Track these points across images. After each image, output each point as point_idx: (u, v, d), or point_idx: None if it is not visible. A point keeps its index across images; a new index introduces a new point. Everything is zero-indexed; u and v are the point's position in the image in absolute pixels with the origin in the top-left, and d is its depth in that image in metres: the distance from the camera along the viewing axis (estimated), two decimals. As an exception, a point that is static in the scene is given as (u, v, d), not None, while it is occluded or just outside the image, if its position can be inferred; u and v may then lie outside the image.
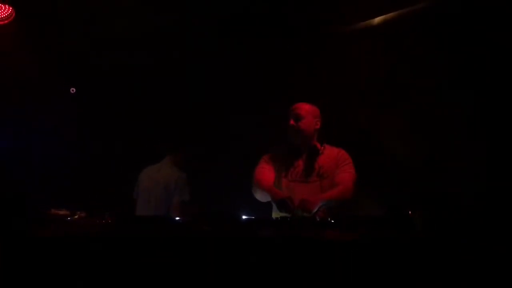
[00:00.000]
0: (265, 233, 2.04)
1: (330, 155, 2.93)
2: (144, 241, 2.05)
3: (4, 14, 3.89)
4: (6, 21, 3.90)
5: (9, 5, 3.87)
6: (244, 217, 2.19)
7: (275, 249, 1.93)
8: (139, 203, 3.82)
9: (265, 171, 2.93)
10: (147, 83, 4.26)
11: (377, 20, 3.70)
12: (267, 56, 3.94)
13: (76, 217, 2.39)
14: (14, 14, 3.91)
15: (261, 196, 2.85)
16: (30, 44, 4.08)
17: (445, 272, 1.78)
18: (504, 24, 3.14)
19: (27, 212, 2.30)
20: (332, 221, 2.17)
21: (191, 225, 2.19)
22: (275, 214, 2.74)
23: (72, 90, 4.32)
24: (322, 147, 2.95)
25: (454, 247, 1.79)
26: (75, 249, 2.08)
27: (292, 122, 2.92)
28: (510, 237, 1.76)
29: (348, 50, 3.70)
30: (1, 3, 3.85)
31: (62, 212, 2.42)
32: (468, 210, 2.96)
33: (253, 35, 3.94)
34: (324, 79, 3.70)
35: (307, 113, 2.94)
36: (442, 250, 1.79)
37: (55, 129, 4.27)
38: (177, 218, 2.60)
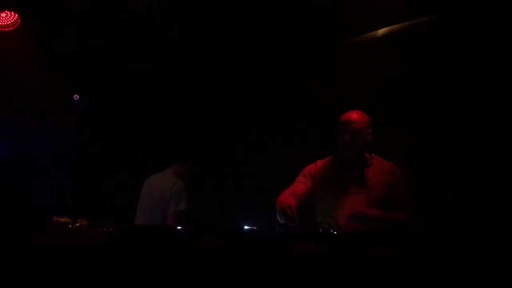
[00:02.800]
0: (266, 244, 2.03)
1: (380, 167, 2.81)
2: (144, 250, 2.04)
3: (9, 21, 3.91)
4: (11, 28, 3.92)
5: (15, 11, 3.89)
6: (246, 227, 2.18)
7: (274, 260, 1.92)
8: (138, 211, 3.80)
9: (294, 187, 2.84)
10: (155, 90, 4.26)
11: (381, 32, 3.70)
12: (271, 69, 3.94)
13: (77, 225, 2.38)
14: (19, 21, 3.93)
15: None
16: (34, 50, 4.09)
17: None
18: (508, 38, 3.14)
19: (28, 219, 2.30)
20: (335, 233, 2.16)
21: (193, 235, 2.18)
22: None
23: (76, 97, 4.32)
24: (371, 157, 2.85)
25: (453, 259, 1.78)
26: (76, 258, 2.08)
27: (348, 139, 2.76)
28: (509, 245, 1.75)
29: (352, 61, 3.70)
30: (7, 10, 3.87)
31: (63, 220, 2.41)
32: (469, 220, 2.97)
33: (257, 48, 3.94)
34: (327, 91, 3.70)
35: (362, 126, 2.79)
36: (442, 264, 1.77)
37: (58, 135, 4.27)
38: (179, 228, 2.59)
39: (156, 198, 3.69)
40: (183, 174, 3.81)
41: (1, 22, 3.90)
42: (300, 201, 2.74)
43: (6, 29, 3.91)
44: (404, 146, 3.41)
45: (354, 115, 2.82)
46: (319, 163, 2.94)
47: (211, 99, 4.21)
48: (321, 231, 2.31)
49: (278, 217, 2.63)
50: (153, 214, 3.66)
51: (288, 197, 2.75)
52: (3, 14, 3.88)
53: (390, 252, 1.83)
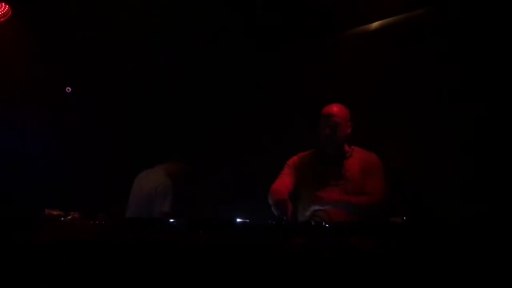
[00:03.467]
0: (258, 237, 2.04)
1: (359, 159, 2.88)
2: (137, 243, 2.05)
3: (0, 12, 3.87)
4: (2, 20, 3.88)
5: (5, 3, 3.85)
6: (238, 220, 2.19)
7: (266, 253, 1.93)
8: (127, 207, 3.77)
9: (281, 180, 2.90)
10: (149, 86, 4.24)
11: (375, 25, 3.70)
12: (264, 64, 3.94)
13: (69, 217, 2.38)
14: (10, 12, 3.88)
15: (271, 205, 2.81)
16: (26, 42, 4.05)
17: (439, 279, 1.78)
18: (504, 31, 3.14)
19: (18, 212, 2.30)
20: (327, 225, 2.17)
21: (187, 228, 2.19)
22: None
23: (68, 90, 4.29)
24: (351, 149, 2.92)
25: (448, 255, 1.80)
26: (69, 250, 2.08)
27: (328, 132, 2.84)
28: (505, 245, 1.76)
29: (345, 55, 3.70)
30: (-2, 2, 3.83)
31: (56, 212, 2.41)
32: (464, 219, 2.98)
33: (252, 44, 3.93)
34: (321, 85, 3.70)
35: (341, 119, 2.87)
36: (435, 258, 1.79)
37: (49, 128, 4.24)
38: (172, 221, 2.58)
39: (142, 197, 3.62)
40: (175, 173, 3.70)
41: (-8, 13, 3.87)
42: (290, 192, 2.82)
43: (-2, 21, 3.88)
44: (398, 140, 3.43)
45: (334, 108, 2.89)
46: (301, 155, 3.01)
47: (207, 97, 4.20)
48: (313, 224, 2.34)
49: (273, 210, 2.67)
50: (140, 212, 3.63)
51: (281, 189, 2.80)
52: (-6, 5, 3.85)
53: (381, 245, 1.85)
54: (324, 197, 2.63)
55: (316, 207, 2.58)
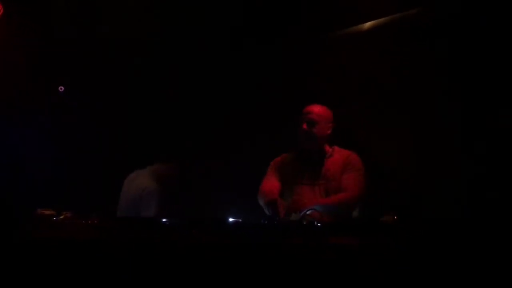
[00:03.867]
0: (251, 237, 2.04)
1: (339, 157, 2.91)
2: (130, 243, 2.05)
3: (-8, 10, 3.85)
4: (-6, 18, 3.86)
5: (-2, 1, 3.83)
6: (231, 219, 2.20)
7: (259, 252, 1.93)
8: (118, 208, 3.74)
9: (269, 180, 2.94)
10: (140, 85, 4.23)
11: (367, 25, 3.71)
12: (256, 64, 3.94)
13: (62, 217, 2.37)
14: (2, 10, 3.86)
15: (263, 205, 2.84)
16: (18, 41, 4.03)
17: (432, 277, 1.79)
18: (497, 30, 3.15)
19: (12, 211, 2.29)
20: (319, 225, 2.18)
21: (179, 228, 2.19)
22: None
23: (61, 89, 4.28)
24: (331, 149, 2.94)
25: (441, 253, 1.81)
26: (61, 250, 2.07)
27: (305, 127, 2.88)
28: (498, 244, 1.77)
29: (337, 55, 3.71)
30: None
31: (48, 212, 2.40)
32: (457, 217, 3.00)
33: (245, 43, 3.93)
34: (312, 85, 3.70)
35: (321, 118, 2.91)
36: (427, 258, 1.80)
37: (41, 127, 4.22)
38: (165, 220, 2.57)
39: (129, 199, 3.58)
40: (165, 173, 3.57)
41: (-18, 10, 3.84)
42: (279, 192, 2.86)
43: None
44: (387, 139, 3.44)
45: (314, 108, 2.94)
46: (283, 156, 3.05)
47: (201, 98, 4.20)
48: (305, 223, 2.34)
49: (265, 210, 2.68)
50: (128, 214, 3.61)
51: (271, 189, 2.85)
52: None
53: (372, 243, 1.86)
54: (299, 203, 2.63)
55: (293, 214, 2.58)
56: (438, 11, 3.39)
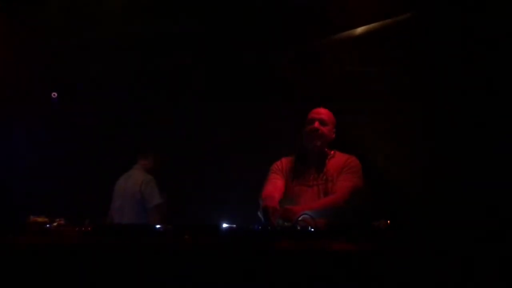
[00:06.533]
0: (244, 242, 2.04)
1: (339, 160, 2.96)
2: (123, 250, 2.04)
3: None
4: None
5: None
6: (225, 225, 2.20)
7: (253, 257, 1.93)
8: (114, 212, 3.79)
9: (269, 185, 2.95)
10: (125, 87, 4.23)
11: (360, 30, 3.73)
12: (248, 69, 3.96)
13: (55, 224, 2.36)
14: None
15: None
16: (12, 44, 4.03)
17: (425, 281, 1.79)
18: (489, 35, 3.17)
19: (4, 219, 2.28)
20: (312, 230, 2.18)
21: (172, 234, 2.18)
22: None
23: (54, 95, 4.27)
24: (333, 152, 2.99)
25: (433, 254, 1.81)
26: (54, 257, 2.07)
27: (317, 125, 2.93)
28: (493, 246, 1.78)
29: (330, 59, 3.73)
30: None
31: (40, 219, 2.39)
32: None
33: (237, 48, 3.95)
34: (306, 89, 3.72)
35: (329, 121, 2.99)
36: (422, 262, 1.80)
37: (34, 134, 4.21)
38: (158, 226, 2.58)
39: (127, 197, 3.71)
40: (150, 167, 3.85)
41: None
42: (280, 195, 2.88)
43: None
44: (379, 142, 3.45)
45: (323, 110, 3.03)
46: (284, 159, 3.07)
47: (195, 100, 4.20)
48: (299, 228, 2.34)
49: (259, 214, 2.68)
50: (124, 214, 3.67)
51: (273, 194, 2.85)
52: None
53: (365, 248, 1.86)
54: (292, 211, 2.63)
55: (286, 221, 2.57)
56: (428, 17, 3.41)
